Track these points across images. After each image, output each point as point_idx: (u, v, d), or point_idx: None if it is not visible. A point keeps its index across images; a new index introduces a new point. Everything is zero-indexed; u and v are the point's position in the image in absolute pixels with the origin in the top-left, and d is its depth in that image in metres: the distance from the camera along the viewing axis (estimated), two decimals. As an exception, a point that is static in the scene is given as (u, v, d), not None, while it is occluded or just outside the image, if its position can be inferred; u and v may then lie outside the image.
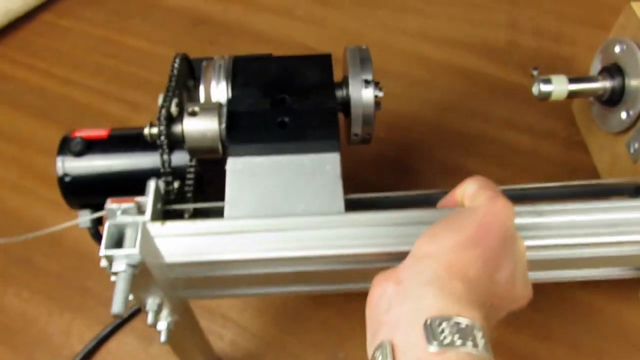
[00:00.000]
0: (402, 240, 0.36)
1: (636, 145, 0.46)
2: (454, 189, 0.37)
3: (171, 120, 0.40)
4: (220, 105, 0.41)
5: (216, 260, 0.36)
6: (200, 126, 0.39)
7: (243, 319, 0.55)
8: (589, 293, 0.53)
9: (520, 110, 0.68)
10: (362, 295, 0.55)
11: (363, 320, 0.53)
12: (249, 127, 0.41)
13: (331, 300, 0.55)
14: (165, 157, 0.39)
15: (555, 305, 0.53)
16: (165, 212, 0.40)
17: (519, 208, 0.37)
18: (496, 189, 0.35)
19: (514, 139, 0.65)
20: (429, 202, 0.41)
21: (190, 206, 0.41)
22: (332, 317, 0.54)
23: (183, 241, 0.36)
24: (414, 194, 0.43)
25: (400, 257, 0.33)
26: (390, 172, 0.65)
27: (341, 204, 0.38)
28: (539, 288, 0.52)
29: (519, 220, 0.35)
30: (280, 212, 0.37)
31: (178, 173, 0.43)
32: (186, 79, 0.47)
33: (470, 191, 0.35)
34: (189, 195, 0.43)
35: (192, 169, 0.43)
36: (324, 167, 0.40)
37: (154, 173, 0.40)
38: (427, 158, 0.65)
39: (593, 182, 0.44)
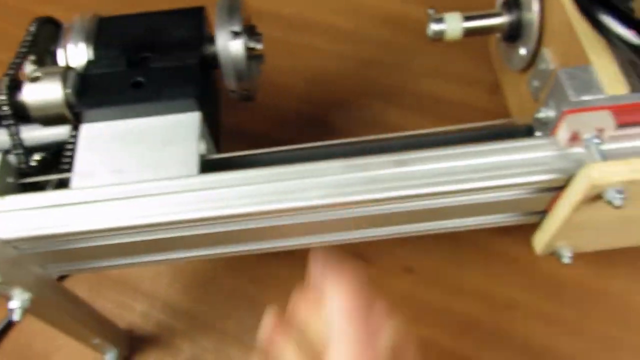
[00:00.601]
0: (260, 199, 0.34)
1: (535, 83, 0.43)
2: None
3: (18, 88, 0.38)
4: (66, 68, 0.38)
5: (60, 233, 0.34)
6: (42, 92, 0.37)
7: (154, 289, 0.54)
8: (503, 242, 0.52)
9: (448, 58, 0.64)
10: (274, 261, 0.55)
11: (274, 286, 0.53)
12: (100, 90, 0.38)
13: (243, 267, 0.54)
14: (13, 128, 0.37)
15: (471, 256, 0.52)
16: (26, 185, 0.38)
17: (387, 157, 0.35)
18: (369, 316, 0.29)
19: (440, 88, 0.62)
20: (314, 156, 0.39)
21: (54, 177, 0.39)
22: (244, 284, 0.53)
23: (23, 215, 0.34)
24: (301, 147, 0.41)
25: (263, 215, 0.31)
26: (311, 130, 0.63)
27: (194, 166, 0.36)
28: (455, 239, 0.51)
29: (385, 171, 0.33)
30: (131, 179, 0.35)
31: (51, 146, 0.41)
32: (51, 44, 0.44)
33: (332, 320, 0.28)
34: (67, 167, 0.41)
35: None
36: (181, 128, 0.37)
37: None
38: (348, 113, 0.62)
39: (488, 123, 0.42)
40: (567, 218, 0.35)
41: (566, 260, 0.39)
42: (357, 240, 0.39)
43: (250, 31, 0.43)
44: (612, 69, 0.35)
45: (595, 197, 0.32)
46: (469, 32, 0.45)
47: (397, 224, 0.38)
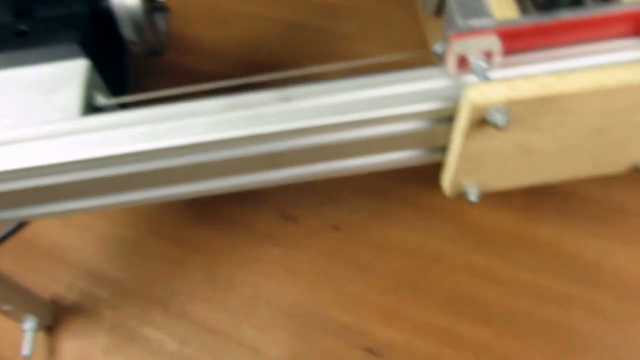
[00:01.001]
0: (142, 138, 0.33)
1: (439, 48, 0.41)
2: None
3: None
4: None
5: None
6: None
7: (79, 259, 0.52)
8: (432, 196, 0.51)
9: (379, 16, 0.63)
10: (200, 223, 0.53)
11: (201, 250, 0.52)
12: (-17, 40, 0.37)
13: (169, 231, 0.53)
14: None
15: (399, 211, 0.51)
16: None
17: (269, 93, 0.34)
18: None
19: (369, 49, 0.61)
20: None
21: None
22: (171, 249, 0.52)
23: None
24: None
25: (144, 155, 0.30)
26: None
27: (77, 111, 0.35)
28: (383, 195, 0.49)
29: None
30: (9, 125, 0.34)
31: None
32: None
33: None
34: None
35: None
36: (67, 75, 0.36)
37: None
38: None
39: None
40: (462, 149, 0.34)
41: (472, 198, 0.37)
42: (256, 185, 0.38)
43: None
44: (502, -7, 0.34)
45: (481, 121, 0.31)
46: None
47: (293, 164, 0.37)
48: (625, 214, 0.47)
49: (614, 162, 0.38)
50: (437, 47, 0.36)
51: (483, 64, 0.32)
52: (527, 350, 0.44)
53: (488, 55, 0.32)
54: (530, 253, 0.47)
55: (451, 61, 0.33)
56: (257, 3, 0.66)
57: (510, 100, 0.30)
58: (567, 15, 0.33)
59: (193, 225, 0.52)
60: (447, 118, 0.34)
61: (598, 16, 0.33)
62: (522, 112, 0.31)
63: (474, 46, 0.32)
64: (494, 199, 0.49)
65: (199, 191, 0.37)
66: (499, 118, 0.30)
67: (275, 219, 0.51)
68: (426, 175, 0.43)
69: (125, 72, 0.45)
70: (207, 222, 0.52)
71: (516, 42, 0.33)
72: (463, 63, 0.33)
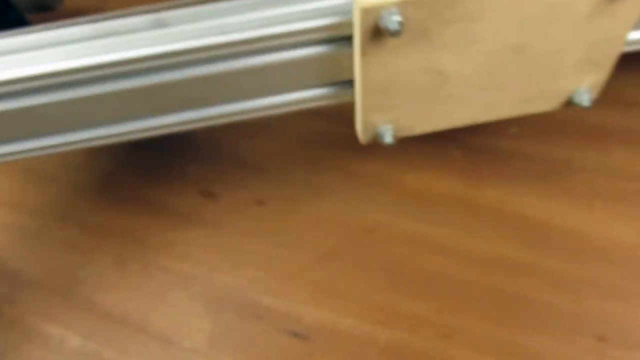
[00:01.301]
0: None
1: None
2: None
3: None
4: None
5: None
6: None
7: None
8: (364, 162, 0.46)
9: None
10: (107, 208, 0.48)
11: (109, 234, 0.47)
12: None
13: (74, 217, 0.47)
14: None
15: (330, 181, 0.46)
16: None
17: (142, 18, 0.30)
18: None
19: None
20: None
21: None
22: (78, 235, 0.47)
23: None
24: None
25: None
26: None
27: None
28: (312, 165, 0.45)
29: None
30: None
31: None
32: None
33: None
34: None
35: None
36: None
37: None
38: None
39: None
40: (363, 72, 0.29)
41: (388, 139, 0.33)
42: (143, 134, 0.33)
43: None
44: None
45: (376, 30, 0.27)
46: None
47: (183, 106, 0.32)
48: (570, 169, 0.43)
49: (546, 95, 0.34)
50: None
51: (376, -30, 0.28)
52: (471, 324, 0.39)
53: (384, -36, 0.29)
54: (474, 218, 0.43)
55: (344, -27, 0.29)
56: None
57: (403, 1, 0.26)
58: None
59: (103, 209, 0.47)
60: (344, 39, 0.30)
61: None
62: (420, 18, 0.27)
63: (367, -47, 0.28)
64: (432, 162, 0.45)
65: (76, 141, 0.33)
66: (392, 21, 0.26)
67: (194, 197, 0.46)
68: (355, 140, 0.40)
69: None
70: (118, 204, 0.47)
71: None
72: (357, -26, 0.29)
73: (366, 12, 0.26)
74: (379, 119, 0.33)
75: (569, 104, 0.34)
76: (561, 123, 0.45)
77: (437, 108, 0.33)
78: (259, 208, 0.45)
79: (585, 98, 0.33)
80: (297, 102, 0.33)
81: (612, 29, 0.30)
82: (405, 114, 0.33)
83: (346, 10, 0.29)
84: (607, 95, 0.45)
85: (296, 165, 0.46)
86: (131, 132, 0.33)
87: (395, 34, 0.26)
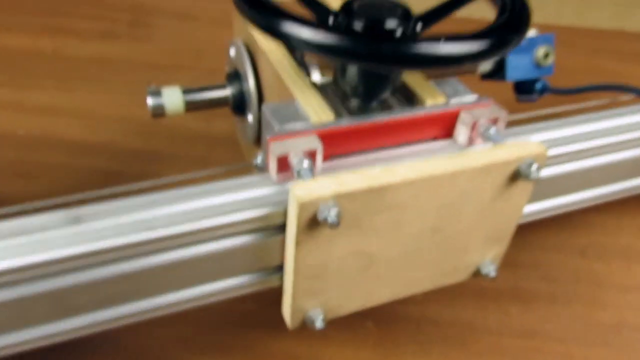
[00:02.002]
0: None
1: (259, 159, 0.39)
2: None
3: None
4: None
5: None
6: None
7: None
8: (278, 340, 0.43)
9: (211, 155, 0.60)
10: None
11: None
12: None
13: None
14: None
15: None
16: None
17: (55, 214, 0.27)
18: None
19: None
20: None
21: None
22: None
23: None
24: None
25: None
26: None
27: None
28: (224, 349, 0.40)
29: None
30: None
31: None
32: None
33: None
34: None
35: None
36: None
37: None
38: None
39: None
40: (297, 261, 0.29)
41: (319, 325, 0.32)
42: (50, 340, 0.28)
43: None
44: (316, 101, 0.33)
45: (312, 222, 0.27)
46: (193, 106, 0.42)
47: (91, 307, 0.28)
48: (476, 333, 0.44)
49: (459, 268, 0.36)
50: (258, 159, 0.33)
51: (306, 164, 0.29)
52: None
53: (311, 156, 0.30)
54: None
55: (272, 165, 0.30)
56: (66, 153, 0.59)
57: (338, 194, 0.27)
58: (380, 118, 0.33)
59: None
60: (275, 228, 0.30)
61: (406, 118, 0.33)
62: (354, 209, 0.28)
63: (295, 147, 0.30)
64: (345, 336, 0.44)
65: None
66: (330, 214, 0.26)
67: None
68: (271, 317, 0.38)
69: None
70: None
71: (336, 145, 0.32)
72: (285, 167, 0.30)
73: (303, 206, 0.26)
74: (309, 303, 0.32)
75: (477, 274, 0.37)
76: (459, 286, 0.48)
77: (364, 288, 0.33)
78: None
79: (491, 269, 0.36)
80: (223, 290, 0.31)
81: (509, 210, 0.34)
82: (334, 296, 0.33)
83: (275, 202, 0.29)
84: None
85: (205, 351, 0.42)
86: (35, 339, 0.27)
87: (333, 226, 0.26)
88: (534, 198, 0.40)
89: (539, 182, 0.39)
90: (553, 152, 0.37)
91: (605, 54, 0.84)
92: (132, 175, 0.56)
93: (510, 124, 0.39)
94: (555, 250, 0.51)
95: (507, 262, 0.51)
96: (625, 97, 0.50)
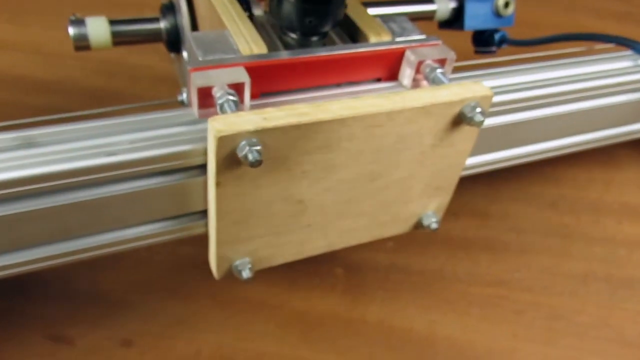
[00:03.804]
0: None
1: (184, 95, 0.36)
2: None
3: None
4: None
5: None
6: None
7: None
8: (240, 287, 0.41)
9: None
10: None
11: None
12: None
13: None
14: None
15: (208, 312, 0.40)
16: None
17: None
18: None
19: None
20: None
21: None
22: None
23: None
24: None
25: None
26: None
27: None
28: (186, 296, 0.38)
29: None
30: None
31: None
32: None
33: None
34: None
35: None
36: None
37: None
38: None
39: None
40: (218, 203, 0.26)
41: (246, 274, 0.30)
42: None
43: None
44: (248, 32, 0.30)
45: (232, 159, 0.25)
46: (122, 39, 0.38)
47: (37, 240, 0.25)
48: (445, 280, 0.43)
49: (398, 219, 0.34)
50: (182, 94, 0.30)
51: (232, 97, 0.26)
52: None
53: (237, 90, 0.27)
54: (363, 337, 0.40)
55: (194, 99, 0.27)
56: (21, 90, 0.55)
57: (262, 129, 0.24)
58: (318, 53, 0.30)
59: None
60: (197, 168, 0.27)
61: (347, 54, 0.30)
62: (280, 148, 0.26)
63: (218, 79, 0.27)
64: (313, 281, 0.42)
65: None
66: (251, 151, 0.24)
67: (42, 344, 0.36)
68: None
69: None
70: None
71: (268, 81, 0.29)
72: (208, 101, 0.27)
73: (222, 140, 0.24)
74: (235, 252, 0.30)
75: (419, 226, 0.35)
76: (429, 235, 0.47)
77: (295, 237, 0.31)
78: (126, 349, 0.37)
79: (433, 221, 0.35)
80: (141, 237, 0.29)
81: (452, 157, 0.32)
82: (264, 245, 0.30)
83: (196, 138, 0.27)
84: (463, 208, 0.49)
85: (165, 296, 0.40)
86: None
87: (254, 164, 0.24)
88: (491, 148, 0.38)
89: (492, 130, 0.37)
90: (503, 98, 0.36)
91: (583, 11, 0.82)
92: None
93: (459, 70, 0.37)
94: (526, 202, 0.51)
95: (478, 213, 0.50)
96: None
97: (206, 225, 0.30)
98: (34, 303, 0.39)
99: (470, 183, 0.41)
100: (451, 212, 0.48)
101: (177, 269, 0.42)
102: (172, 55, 0.42)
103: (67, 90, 0.56)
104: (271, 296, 0.41)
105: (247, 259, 0.30)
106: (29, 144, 0.25)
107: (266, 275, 0.33)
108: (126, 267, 0.42)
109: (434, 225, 0.35)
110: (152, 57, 0.44)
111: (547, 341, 0.41)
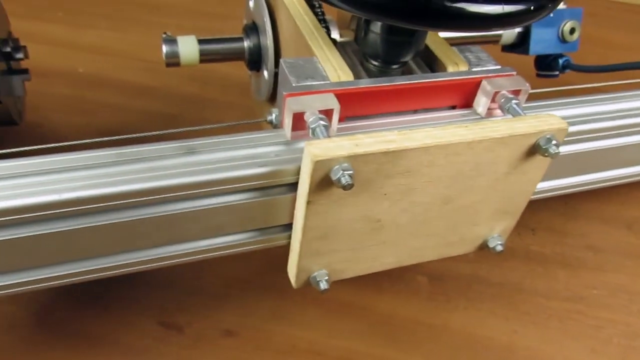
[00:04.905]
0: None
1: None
2: None
3: None
4: None
5: None
6: None
7: None
8: (334, 289, 0.44)
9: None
10: (53, 347, 0.39)
11: None
12: None
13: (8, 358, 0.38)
14: None
15: (301, 310, 0.42)
16: None
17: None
18: None
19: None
20: None
21: None
22: None
23: None
24: None
25: None
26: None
27: None
28: (280, 293, 0.41)
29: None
30: None
31: None
32: None
33: None
34: None
35: None
36: None
37: None
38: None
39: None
40: (306, 220, 0.29)
41: (323, 286, 0.32)
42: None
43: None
44: (335, 60, 0.32)
45: (325, 182, 0.27)
46: (208, 57, 0.41)
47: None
48: (525, 293, 0.45)
49: (465, 240, 0.36)
50: (272, 115, 0.32)
51: (322, 122, 0.29)
52: None
53: (327, 115, 0.29)
54: (446, 342, 0.41)
55: (287, 122, 0.29)
56: (125, 94, 0.60)
57: (354, 155, 0.26)
58: (399, 81, 0.32)
59: (43, 349, 0.38)
60: (286, 186, 0.30)
61: (426, 83, 0.32)
62: (367, 172, 0.28)
63: (311, 104, 0.29)
64: (398, 287, 0.44)
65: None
66: (344, 175, 0.26)
67: (154, 330, 0.39)
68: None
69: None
70: (62, 342, 0.38)
71: (353, 106, 0.31)
72: (300, 124, 0.29)
73: (318, 165, 0.26)
74: (314, 264, 0.32)
75: (484, 247, 0.37)
76: (509, 250, 0.48)
77: (369, 253, 0.33)
78: (229, 339, 0.40)
79: (498, 244, 0.36)
80: (231, 244, 0.31)
81: (523, 184, 0.33)
82: (340, 259, 0.32)
83: (288, 159, 0.29)
84: (541, 224, 0.51)
85: (263, 293, 0.42)
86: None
87: (346, 187, 0.26)
88: (559, 174, 0.40)
89: (562, 157, 0.38)
90: (575, 129, 0.37)
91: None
92: (190, 120, 0.57)
93: (530, 98, 0.38)
94: (602, 221, 0.52)
95: (555, 230, 0.52)
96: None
97: (289, 238, 0.32)
98: (144, 292, 0.42)
99: (547, 200, 0.43)
100: (529, 227, 0.50)
101: (270, 268, 0.45)
102: (250, 72, 0.45)
103: (166, 95, 0.61)
104: (359, 298, 0.44)
105: (324, 271, 0.32)
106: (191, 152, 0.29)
107: (353, 278, 0.35)
108: (224, 264, 0.44)
109: (499, 248, 0.36)
110: (240, 67, 0.48)
111: (625, 358, 0.42)
